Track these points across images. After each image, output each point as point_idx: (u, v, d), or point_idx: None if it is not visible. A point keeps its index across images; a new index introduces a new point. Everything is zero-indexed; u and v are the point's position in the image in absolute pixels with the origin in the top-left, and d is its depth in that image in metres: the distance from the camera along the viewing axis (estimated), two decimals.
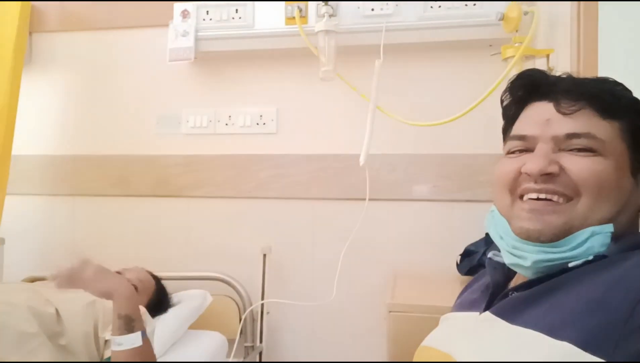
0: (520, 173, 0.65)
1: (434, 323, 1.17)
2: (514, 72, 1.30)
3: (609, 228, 0.60)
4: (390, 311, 1.19)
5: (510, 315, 0.60)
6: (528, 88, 0.70)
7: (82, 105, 1.84)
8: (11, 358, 0.99)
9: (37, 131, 1.85)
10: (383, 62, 1.43)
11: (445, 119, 1.40)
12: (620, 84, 0.66)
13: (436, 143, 1.58)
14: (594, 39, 1.05)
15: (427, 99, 1.58)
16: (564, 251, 0.60)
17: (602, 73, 1.02)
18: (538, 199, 0.62)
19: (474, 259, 1.40)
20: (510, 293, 0.65)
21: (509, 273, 0.72)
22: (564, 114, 0.63)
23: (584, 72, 1.05)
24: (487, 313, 0.64)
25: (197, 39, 1.61)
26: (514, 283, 0.71)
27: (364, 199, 1.46)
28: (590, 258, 0.59)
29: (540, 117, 0.65)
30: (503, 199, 0.68)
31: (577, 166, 0.61)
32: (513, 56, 1.28)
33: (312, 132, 1.67)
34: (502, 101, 0.75)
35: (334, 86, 1.58)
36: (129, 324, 1.00)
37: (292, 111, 1.69)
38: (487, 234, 1.47)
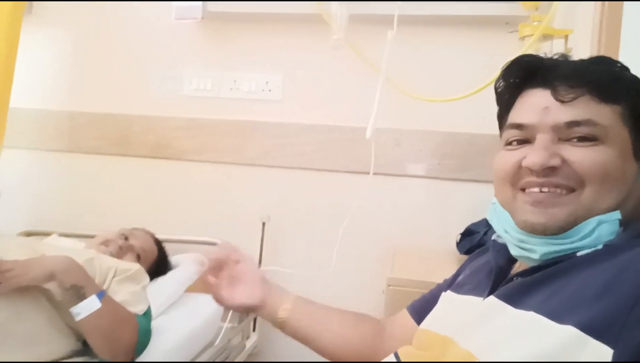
0: (520, 167, 0.63)
1: None
2: (530, 53, 1.28)
3: (616, 215, 0.59)
4: (389, 285, 1.19)
5: (515, 299, 0.59)
6: (523, 74, 0.67)
7: (84, 60, 1.80)
8: (3, 313, 0.97)
9: (36, 84, 1.81)
10: (396, 34, 1.39)
11: (455, 96, 1.37)
12: (618, 63, 0.64)
13: (444, 120, 1.55)
14: (617, 21, 1.02)
15: (438, 75, 1.55)
16: (573, 242, 0.59)
17: (623, 56, 1.00)
18: (541, 191, 0.61)
19: (475, 239, 1.40)
20: (514, 278, 0.64)
21: (513, 256, 0.71)
22: (562, 102, 0.61)
23: (605, 53, 1.02)
24: (492, 297, 0.63)
25: None
26: (517, 266, 0.71)
27: (367, 173, 1.44)
28: (600, 247, 0.58)
29: (537, 105, 0.63)
30: (504, 193, 0.66)
31: (579, 157, 0.59)
32: (531, 35, 1.25)
33: (319, 102, 1.64)
34: (496, 88, 0.72)
35: (343, 55, 1.54)
36: (79, 292, 0.98)
37: (299, 78, 1.65)
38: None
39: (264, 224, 1.61)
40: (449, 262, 1.43)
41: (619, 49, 1.00)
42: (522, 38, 1.31)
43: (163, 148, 1.73)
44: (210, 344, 1.37)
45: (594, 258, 0.57)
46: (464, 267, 0.84)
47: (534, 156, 0.60)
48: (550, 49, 1.27)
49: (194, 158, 1.71)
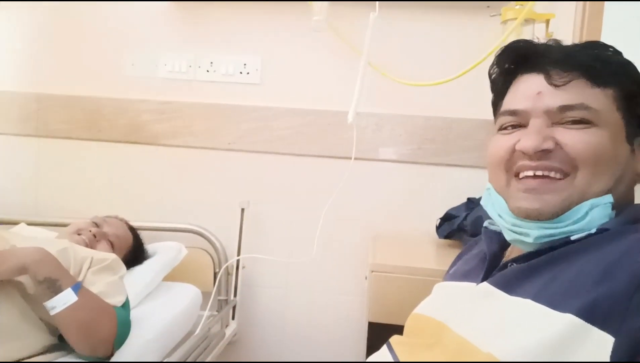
0: (514, 151, 0.63)
1: (415, 285, 1.17)
2: (512, 37, 1.28)
3: (608, 198, 0.59)
4: (372, 271, 1.19)
5: (510, 286, 0.59)
6: (516, 60, 0.68)
7: (51, 39, 1.70)
8: None
9: None
10: (377, 17, 1.36)
11: (437, 81, 1.36)
12: (610, 47, 0.65)
13: (424, 104, 1.54)
14: (599, 6, 1.03)
15: (419, 59, 1.54)
16: (566, 226, 0.59)
17: (605, 40, 1.01)
18: (535, 176, 0.61)
19: (454, 223, 1.41)
20: (509, 264, 0.64)
21: (505, 243, 0.71)
22: (555, 86, 0.61)
23: (587, 39, 1.03)
24: (485, 283, 0.63)
25: None
26: (509, 253, 0.71)
27: (348, 158, 1.43)
28: (593, 231, 0.58)
29: (531, 90, 0.63)
30: (498, 178, 0.66)
31: (573, 139, 0.59)
32: (513, 19, 1.24)
33: (298, 86, 1.60)
34: (490, 75, 0.73)
35: (325, 37, 1.51)
36: (53, 285, 0.94)
37: (279, 61, 1.61)
38: (468, 199, 1.47)
39: (242, 210, 1.58)
40: (429, 246, 1.44)
41: (601, 34, 1.00)
42: (505, 22, 1.30)
43: (136, 132, 1.67)
44: (191, 333, 1.34)
45: (590, 244, 0.57)
46: (457, 259, 0.85)
47: (527, 139, 0.61)
48: (531, 34, 1.27)
49: (169, 143, 1.66)
